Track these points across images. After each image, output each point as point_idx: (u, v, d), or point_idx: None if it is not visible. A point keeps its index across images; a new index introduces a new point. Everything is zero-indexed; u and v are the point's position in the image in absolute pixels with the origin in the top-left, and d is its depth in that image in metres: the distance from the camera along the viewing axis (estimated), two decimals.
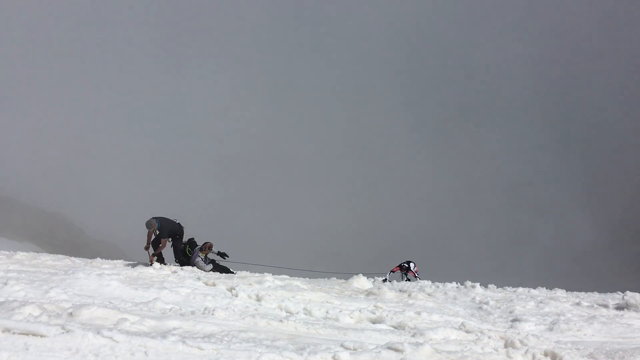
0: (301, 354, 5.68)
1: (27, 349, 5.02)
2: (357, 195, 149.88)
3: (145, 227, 14.19)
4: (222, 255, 15.23)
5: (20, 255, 14.39)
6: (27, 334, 5.32)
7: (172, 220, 14.60)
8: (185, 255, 15.06)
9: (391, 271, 18.66)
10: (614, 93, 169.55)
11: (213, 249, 15.00)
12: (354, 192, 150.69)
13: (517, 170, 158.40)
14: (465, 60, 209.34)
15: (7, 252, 15.27)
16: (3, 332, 5.29)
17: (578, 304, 11.85)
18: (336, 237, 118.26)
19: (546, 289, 15.06)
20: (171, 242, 14.84)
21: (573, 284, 15.70)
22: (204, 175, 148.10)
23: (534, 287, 15.03)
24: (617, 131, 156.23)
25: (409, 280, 18.08)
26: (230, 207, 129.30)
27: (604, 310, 11.23)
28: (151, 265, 13.92)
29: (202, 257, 14.68)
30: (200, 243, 15.28)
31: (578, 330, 8.81)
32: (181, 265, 14.55)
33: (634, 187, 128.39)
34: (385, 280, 17.14)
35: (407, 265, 18.68)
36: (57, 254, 18.28)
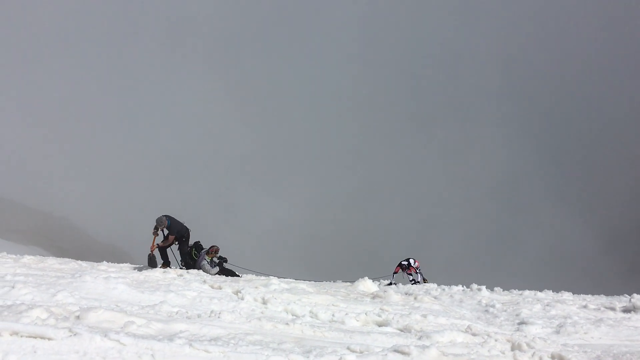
0: (307, 357, 5.69)
1: (35, 352, 5.04)
2: (339, 197, 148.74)
3: (156, 223, 14.37)
4: (222, 259, 15.34)
5: (27, 259, 14.46)
6: (35, 337, 5.33)
7: (180, 222, 14.74)
8: (192, 258, 15.15)
9: (394, 273, 18.60)
10: (607, 93, 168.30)
11: (219, 253, 15.11)
12: (334, 195, 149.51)
13: (505, 172, 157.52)
14: (451, 58, 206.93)
15: (14, 256, 15.35)
16: (11, 335, 5.30)
17: (585, 306, 11.81)
18: (319, 241, 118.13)
19: (552, 291, 15.02)
20: (177, 245, 14.93)
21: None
22: (208, 177, 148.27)
23: (540, 290, 14.99)
24: (610, 131, 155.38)
25: (414, 281, 18.03)
26: (224, 209, 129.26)
27: (611, 313, 11.19)
28: (152, 252, 14.05)
29: (208, 260, 14.79)
30: (206, 246, 15.39)
31: (585, 333, 8.78)
32: (187, 269, 14.63)
33: (628, 190, 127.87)
34: (390, 284, 17.11)
35: (406, 263, 18.61)
36: (63, 257, 18.36)
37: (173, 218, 14.57)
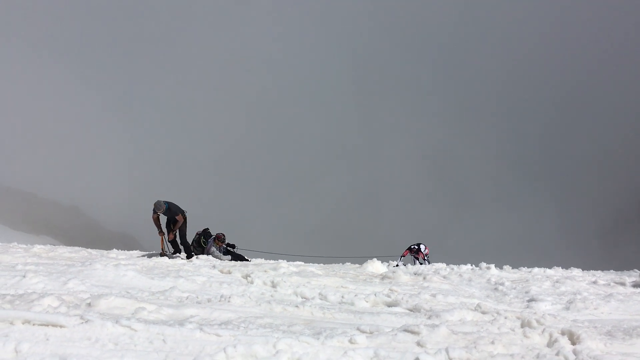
0: (318, 339, 5.70)
1: (47, 339, 5.08)
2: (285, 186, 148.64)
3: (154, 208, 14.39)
4: (231, 246, 15.45)
5: (38, 248, 14.60)
6: (47, 325, 5.38)
7: (177, 205, 14.82)
8: (200, 245, 15.29)
9: (402, 256, 18.61)
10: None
11: (225, 239, 15.24)
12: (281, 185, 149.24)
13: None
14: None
15: (25, 246, 15.51)
16: (23, 323, 5.35)
17: (594, 282, 11.80)
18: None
19: (562, 268, 15.01)
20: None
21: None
22: (210, 166, 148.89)
23: (550, 267, 14.99)
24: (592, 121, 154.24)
25: (420, 263, 18.04)
26: (228, 198, 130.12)
27: (620, 288, 11.17)
28: (163, 251, 14.16)
29: (217, 247, 14.92)
30: (213, 234, 15.53)
31: (595, 309, 8.76)
32: (196, 255, 14.75)
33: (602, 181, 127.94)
34: (397, 266, 17.13)
35: (416, 247, 18.59)
36: (73, 246, 18.54)
37: (170, 202, 14.66)
